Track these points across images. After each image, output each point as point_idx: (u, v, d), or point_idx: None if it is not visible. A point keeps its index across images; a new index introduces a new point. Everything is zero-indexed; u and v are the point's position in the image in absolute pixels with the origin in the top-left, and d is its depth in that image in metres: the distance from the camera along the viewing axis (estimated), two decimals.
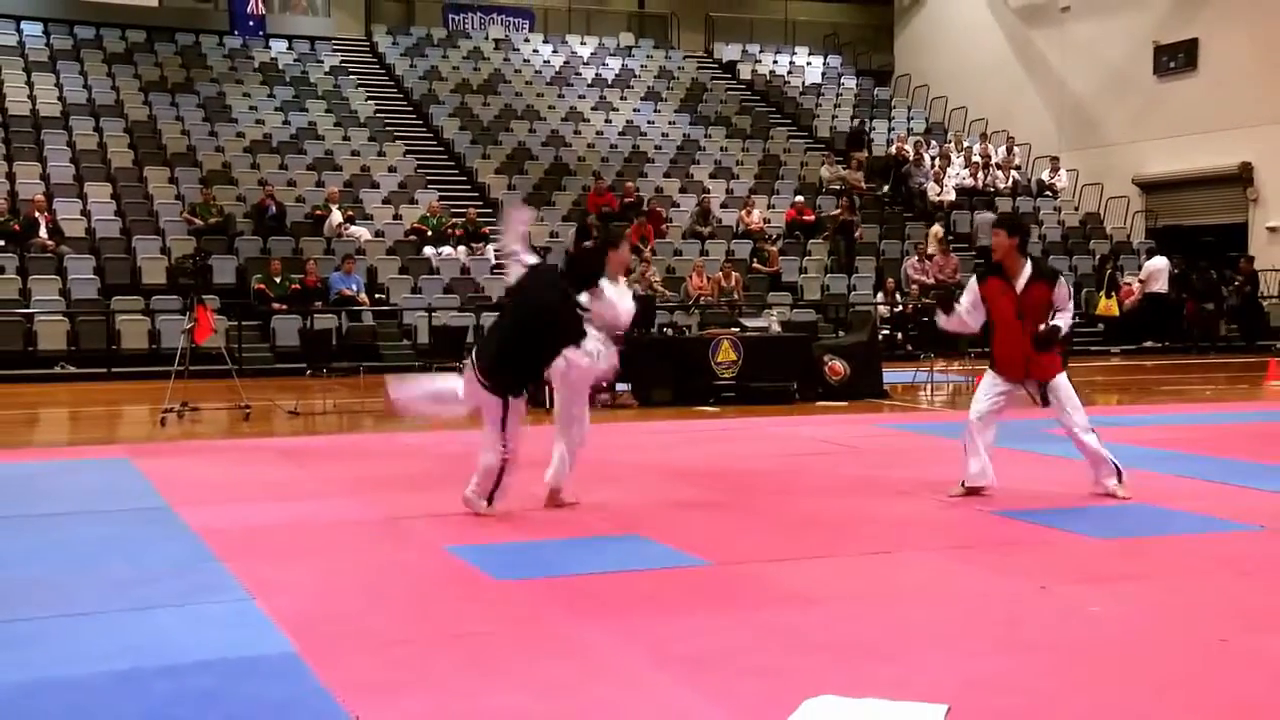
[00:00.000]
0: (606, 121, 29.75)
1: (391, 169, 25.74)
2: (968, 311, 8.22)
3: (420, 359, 19.03)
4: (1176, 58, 28.09)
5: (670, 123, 30.38)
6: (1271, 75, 26.07)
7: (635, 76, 32.50)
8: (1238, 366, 20.42)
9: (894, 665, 4.62)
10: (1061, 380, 8.01)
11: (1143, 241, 27.41)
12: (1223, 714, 4.06)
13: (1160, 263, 24.28)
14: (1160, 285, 23.92)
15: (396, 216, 23.85)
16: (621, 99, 31.12)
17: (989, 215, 22.20)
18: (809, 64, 35.26)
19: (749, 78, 33.97)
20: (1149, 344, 23.36)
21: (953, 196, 27.75)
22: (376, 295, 21.01)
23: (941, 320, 8.53)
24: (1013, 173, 29.39)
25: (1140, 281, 24.22)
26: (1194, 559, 6.46)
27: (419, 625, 5.23)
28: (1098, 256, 26.30)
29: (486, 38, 32.94)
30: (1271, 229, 26.39)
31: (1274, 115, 26.01)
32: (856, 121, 31.10)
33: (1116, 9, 29.16)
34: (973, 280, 8.38)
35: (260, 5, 30.14)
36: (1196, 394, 16.63)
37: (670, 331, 16.34)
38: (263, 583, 5.89)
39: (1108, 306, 24.01)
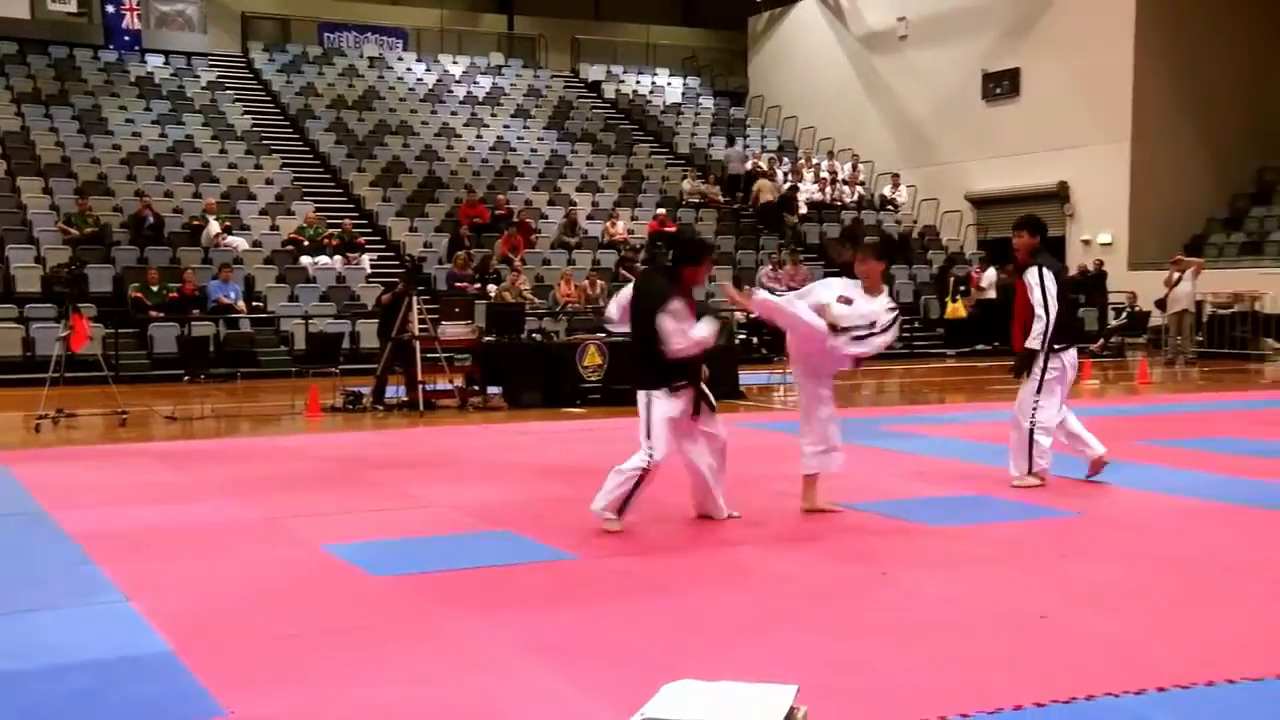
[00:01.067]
0: (477, 137, 29.65)
1: (268, 181, 25.32)
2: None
3: (297, 365, 18.77)
4: (1002, 85, 28.93)
5: (539, 139, 30.38)
6: (1084, 102, 27.00)
7: (505, 94, 32.43)
8: None
9: (747, 649, 4.69)
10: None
11: (974, 252, 28.15)
12: (1045, 683, 4.18)
13: (991, 273, 25.05)
14: (992, 293, 24.64)
15: (274, 227, 23.50)
16: (492, 116, 31.04)
17: (853, 227, 22.71)
18: (669, 85, 35.53)
19: (613, 97, 34.12)
20: (980, 347, 23.98)
21: (804, 210, 28.19)
22: (254, 303, 20.67)
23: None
24: (858, 188, 29.97)
25: (979, 289, 24.91)
26: (1019, 543, 6.63)
27: (296, 622, 5.15)
28: (935, 266, 26.97)
29: (361, 56, 32.60)
30: (1085, 242, 27.31)
31: (1087, 139, 26.95)
32: (742, 162, 30.92)
33: (948, 39, 29.88)
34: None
35: (136, 20, 29.36)
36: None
37: (539, 337, 16.33)
38: (140, 584, 5.76)
39: (955, 309, 24.62)
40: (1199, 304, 22.49)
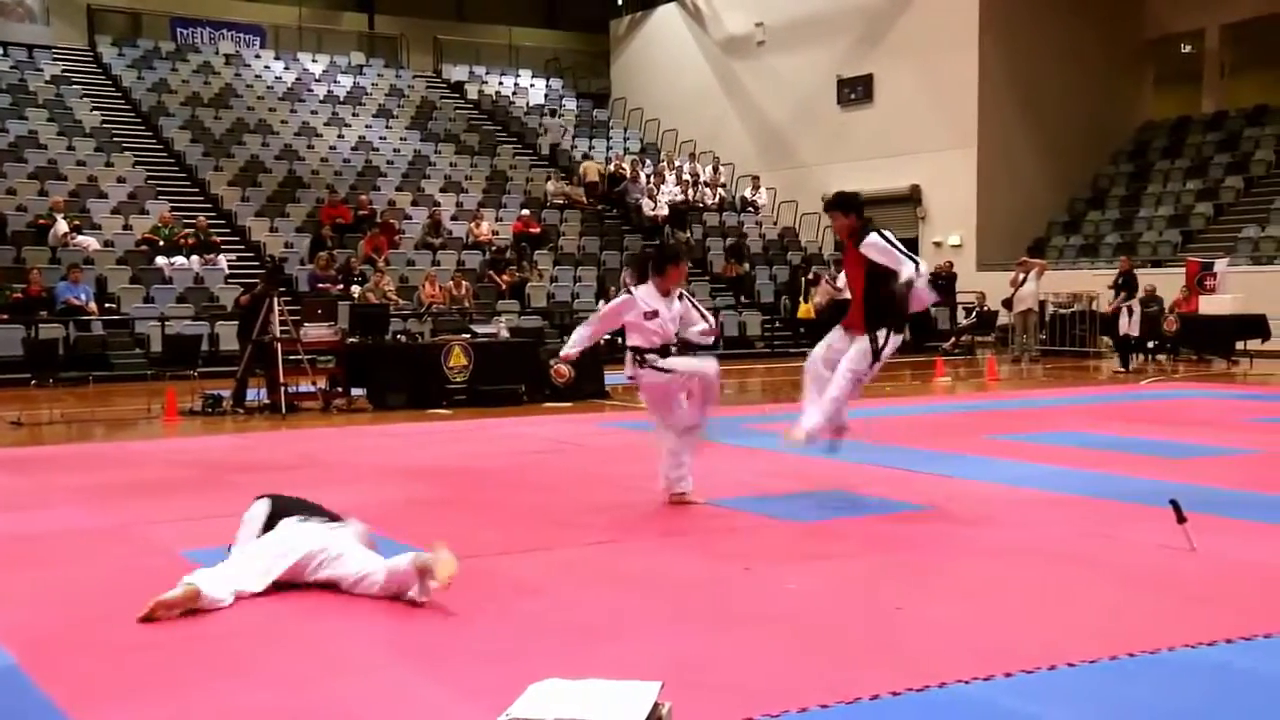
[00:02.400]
0: (339, 137, 29.24)
1: (120, 179, 24.62)
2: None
3: (153, 368, 18.27)
4: (856, 90, 29.51)
5: (401, 139, 30.08)
6: (934, 108, 27.70)
7: (367, 94, 32.03)
8: (911, 365, 21.52)
9: (612, 646, 4.71)
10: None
11: (832, 254, 28.62)
12: (900, 673, 4.29)
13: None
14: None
15: (127, 227, 22.86)
16: (354, 115, 30.64)
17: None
18: (532, 86, 35.47)
19: (476, 98, 33.95)
20: None
21: (666, 212, 28.38)
22: (107, 305, 20.09)
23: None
24: (719, 190, 30.26)
25: (836, 289, 25.25)
26: (875, 537, 6.76)
27: (154, 631, 4.98)
28: (775, 269, 27.38)
29: (217, 52, 31.88)
30: (937, 243, 28.03)
31: (937, 144, 27.66)
32: (614, 170, 30.91)
33: (805, 45, 30.36)
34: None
35: None
36: (877, 390, 17.46)
37: (404, 338, 16.17)
38: None
39: (806, 310, 24.95)
40: (1042, 304, 23.16)
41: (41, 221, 21.72)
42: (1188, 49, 30.31)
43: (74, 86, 28.26)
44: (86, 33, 30.86)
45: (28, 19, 29.43)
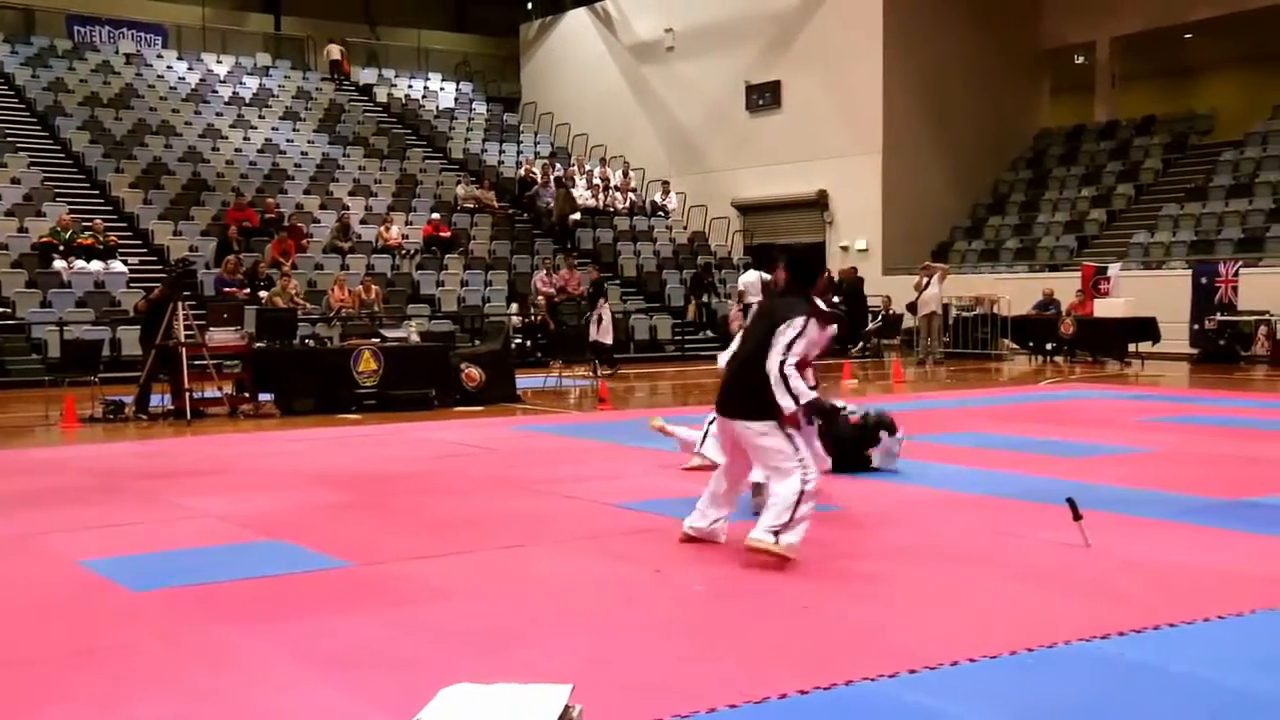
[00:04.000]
0: (245, 139, 28.81)
1: (15, 180, 23.98)
2: None
3: (51, 374, 17.83)
4: (764, 96, 29.73)
5: (309, 141, 29.73)
6: (840, 115, 28.03)
7: (273, 96, 31.61)
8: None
9: (523, 650, 4.71)
10: None
11: (741, 257, 28.85)
12: (809, 671, 4.34)
13: (753, 275, 25.63)
14: (755, 295, 25.22)
15: (22, 229, 22.27)
16: (260, 118, 30.21)
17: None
18: (442, 89, 35.27)
19: (385, 101, 33.66)
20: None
21: (577, 216, 28.36)
22: (1, 309, 19.58)
23: None
24: (630, 194, 30.33)
25: (740, 291, 25.40)
26: None
27: (48, 642, 4.89)
28: (685, 273, 27.51)
29: (116, 52, 31.25)
30: (844, 247, 28.36)
31: (843, 150, 28.00)
32: (524, 175, 30.80)
33: (713, 51, 30.54)
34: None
35: None
36: None
37: (312, 342, 15.97)
38: None
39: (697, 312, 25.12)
40: (945, 307, 23.53)
41: None
42: (1081, 60, 31.02)
43: None
44: None
45: None
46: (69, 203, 23.72)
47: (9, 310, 19.68)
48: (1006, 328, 23.62)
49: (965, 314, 24.24)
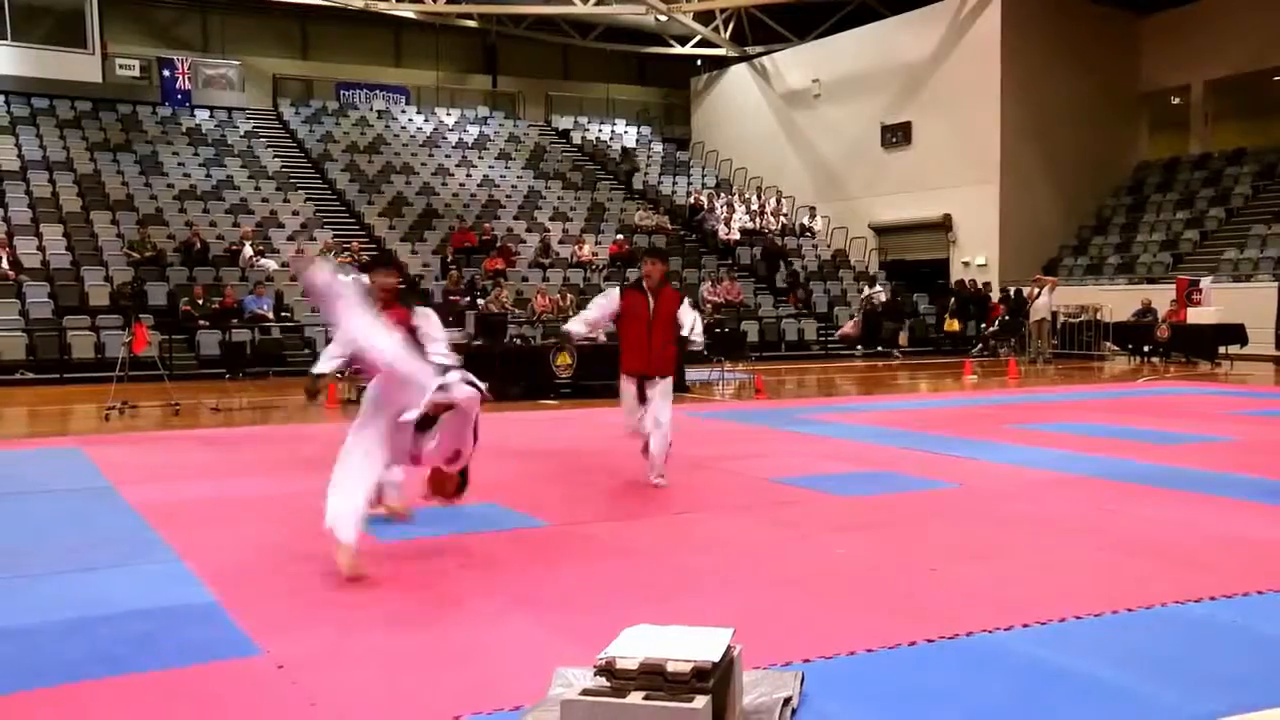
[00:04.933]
0: (467, 176, 29.50)
1: (294, 213, 25.09)
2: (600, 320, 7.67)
3: None
4: (897, 134, 29.10)
5: (518, 177, 30.26)
6: (963, 151, 27.26)
7: (490, 141, 32.28)
8: (943, 366, 21.22)
9: (691, 599, 4.71)
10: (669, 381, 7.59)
11: (876, 272, 28.33)
12: (933, 622, 4.24)
13: (878, 287, 25.30)
14: (881, 297, 24.91)
15: (299, 250, 23.25)
16: (479, 158, 30.89)
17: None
18: (625, 132, 35.49)
19: (580, 142, 34.04)
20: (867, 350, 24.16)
21: (737, 236, 28.26)
22: (283, 313, 20.48)
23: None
24: (781, 218, 30.05)
25: (875, 302, 25.00)
26: (912, 510, 6.67)
27: (318, 579, 5.08)
28: (844, 284, 27.12)
29: (371, 109, 32.33)
30: (965, 262, 27.59)
31: (965, 180, 27.21)
32: (693, 202, 31.09)
33: (853, 97, 30.03)
34: (614, 292, 7.66)
35: (187, 82, 29.08)
36: (912, 386, 17.26)
37: (519, 341, 16.28)
38: (190, 547, 5.71)
39: (952, 324, 24.47)
40: (1054, 314, 22.80)
41: (233, 248, 22.21)
42: (1177, 101, 29.48)
43: (261, 139, 28.85)
44: (271, 96, 31.47)
45: (228, 87, 30.13)
46: (333, 229, 24.68)
47: (289, 314, 20.58)
48: (1109, 332, 22.74)
49: (1072, 320, 23.40)
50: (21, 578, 5.14)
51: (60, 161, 24.68)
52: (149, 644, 4.12)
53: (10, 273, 19.63)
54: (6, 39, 26.99)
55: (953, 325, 24.80)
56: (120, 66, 28.54)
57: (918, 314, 26.07)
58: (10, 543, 5.91)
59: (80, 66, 27.51)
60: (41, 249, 21.11)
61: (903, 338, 24.46)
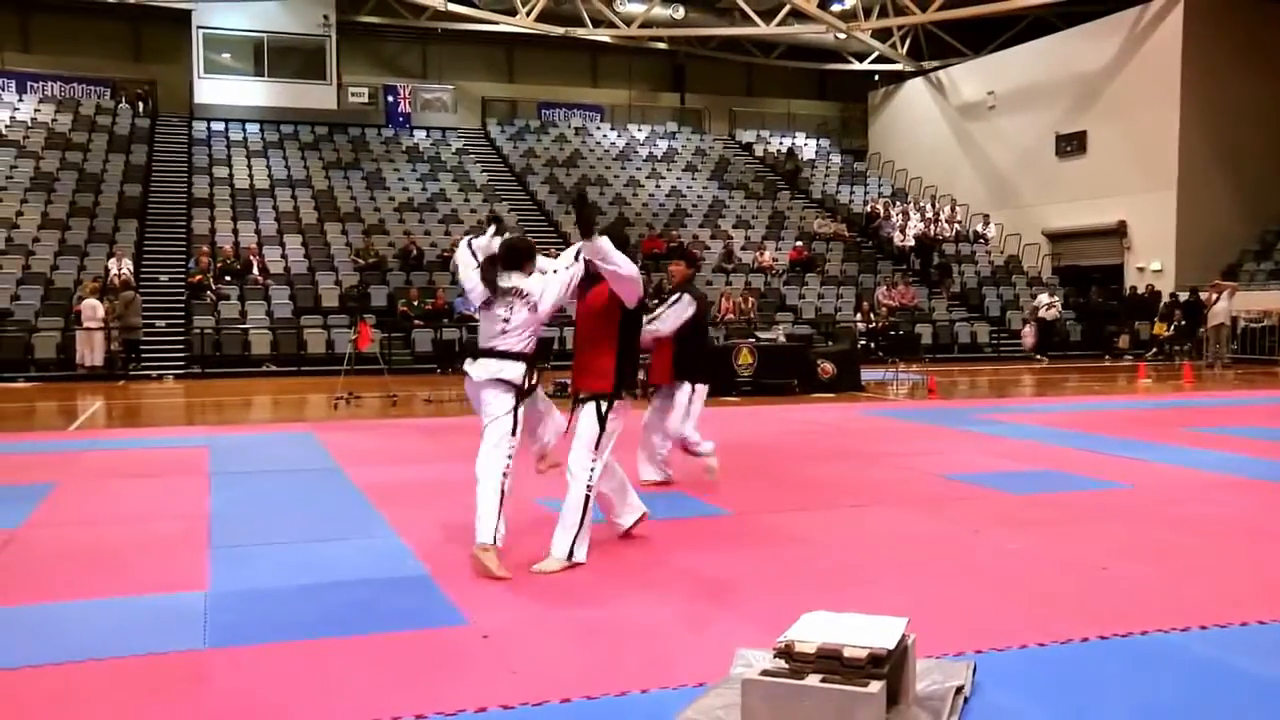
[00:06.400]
0: (657, 186, 29.77)
1: None
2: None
3: None
4: (1072, 143, 27.77)
5: (704, 187, 30.36)
6: (1138, 158, 25.78)
7: (677, 154, 32.50)
8: (1119, 369, 20.14)
9: (865, 588, 4.64)
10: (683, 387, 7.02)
11: (1049, 277, 27.14)
12: (1104, 620, 4.05)
13: (1046, 298, 24.15)
14: (1051, 313, 23.73)
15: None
16: (668, 170, 31.13)
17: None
18: (805, 145, 35.11)
19: (762, 155, 33.89)
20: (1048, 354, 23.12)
21: (912, 243, 27.56)
22: None
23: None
24: (955, 225, 29.14)
25: (1051, 307, 23.94)
26: (1084, 509, 6.39)
27: (518, 556, 5.20)
28: (1016, 289, 26.03)
29: (569, 126, 33.04)
30: (1140, 269, 26.09)
31: (1141, 187, 25.72)
32: (869, 210, 30.64)
33: (1028, 107, 28.84)
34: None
35: (407, 106, 30.55)
36: (1086, 389, 16.45)
37: None
38: (405, 524, 5.95)
39: (1160, 328, 23.34)
40: (1234, 319, 21.30)
41: (445, 254, 23.06)
42: None
43: (470, 155, 29.91)
44: (480, 116, 32.60)
45: (443, 109, 31.46)
46: (534, 237, 25.26)
47: None
48: None
49: (1254, 325, 21.80)
50: (266, 545, 5.49)
51: (300, 180, 26.23)
52: (370, 610, 4.32)
53: (259, 277, 21.00)
54: (264, 76, 28.96)
55: (1160, 329, 23.45)
56: (352, 94, 30.19)
57: (1089, 316, 24.76)
58: (255, 513, 6.32)
59: (319, 96, 29.26)
60: (284, 256, 22.47)
61: (1124, 340, 23.36)
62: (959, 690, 3.30)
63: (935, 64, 32.08)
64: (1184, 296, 23.25)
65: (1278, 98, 25.81)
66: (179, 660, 3.75)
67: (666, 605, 4.39)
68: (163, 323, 19.77)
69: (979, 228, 29.07)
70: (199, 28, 28.33)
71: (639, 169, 30.81)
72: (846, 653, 3.02)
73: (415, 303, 20.41)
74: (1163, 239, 25.60)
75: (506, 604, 4.42)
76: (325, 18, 29.11)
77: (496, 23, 28.74)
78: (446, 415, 12.46)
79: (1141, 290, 24.78)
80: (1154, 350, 22.79)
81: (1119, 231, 26.55)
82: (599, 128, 33.37)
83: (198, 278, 20.48)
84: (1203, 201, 25.18)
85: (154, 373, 18.33)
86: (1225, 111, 25.12)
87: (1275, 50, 25.63)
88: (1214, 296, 20.86)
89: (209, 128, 28.18)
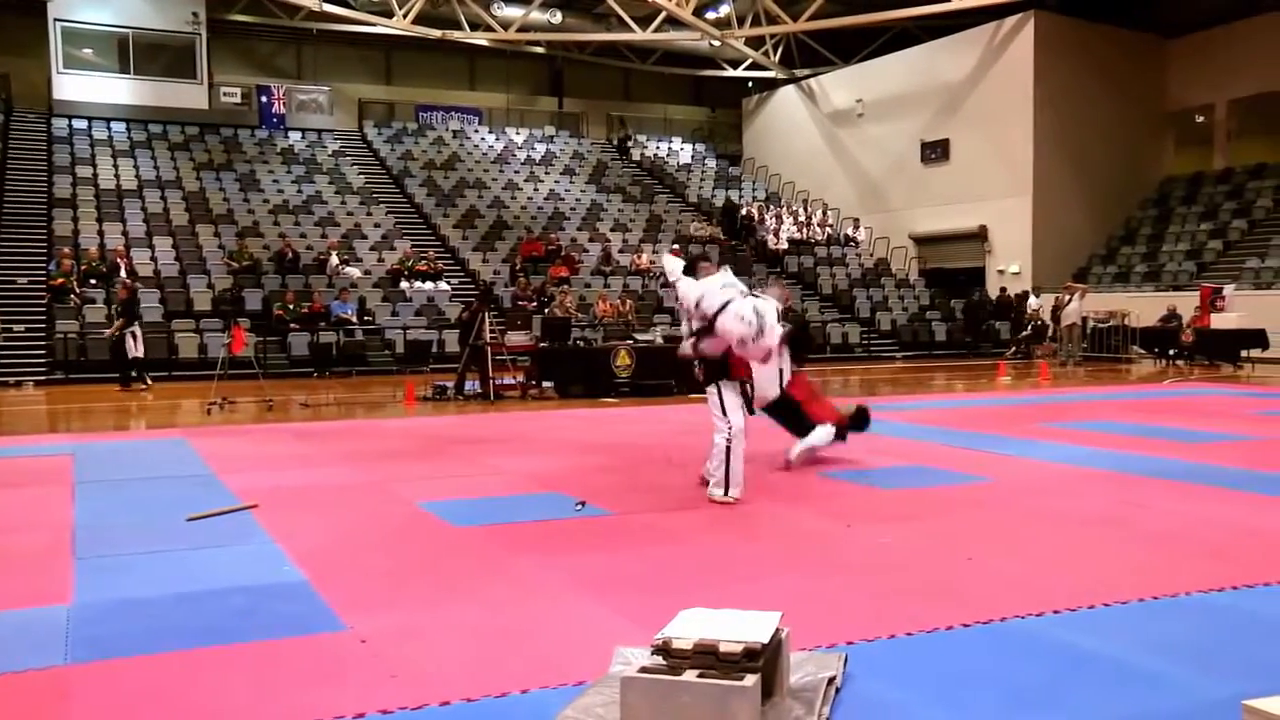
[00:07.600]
0: (535, 190, 29.67)
1: (376, 225, 25.41)
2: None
3: (397, 365, 18.82)
4: (936, 151, 28.77)
5: (581, 191, 30.38)
6: (998, 165, 26.90)
7: (556, 157, 32.44)
8: (978, 368, 20.93)
9: (745, 585, 4.69)
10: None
11: (916, 279, 28.03)
12: (969, 609, 4.19)
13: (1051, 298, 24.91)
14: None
15: (380, 259, 23.57)
16: (545, 174, 31.05)
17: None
18: (682, 149, 35.48)
19: (639, 159, 34.09)
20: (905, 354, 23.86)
21: (786, 246, 28.12)
22: (365, 317, 20.75)
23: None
24: (827, 229, 29.85)
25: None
26: (950, 502, 6.60)
27: (397, 560, 5.16)
28: (885, 289, 26.79)
29: (447, 129, 32.64)
30: (1000, 270, 27.20)
31: (1000, 193, 26.85)
32: (736, 204, 31.25)
33: (895, 115, 29.75)
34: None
35: (282, 107, 29.66)
36: (948, 386, 17.04)
37: (582, 343, 16.34)
38: (283, 530, 5.80)
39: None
40: (1084, 319, 22.39)
41: (321, 257, 22.54)
42: (1201, 119, 28.78)
43: (347, 158, 29.24)
44: (357, 118, 31.91)
45: (319, 111, 30.64)
46: (411, 240, 24.96)
47: (370, 318, 20.85)
48: (1135, 337, 22.29)
49: (1101, 325, 22.97)
50: (139, 554, 5.27)
51: (170, 180, 25.25)
52: (249, 617, 4.21)
53: (127, 280, 20.12)
54: (129, 73, 27.72)
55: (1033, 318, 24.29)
56: (224, 94, 29.18)
57: (955, 319, 25.76)
58: (127, 522, 6.05)
59: (189, 95, 28.20)
60: (154, 259, 21.60)
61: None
62: (831, 681, 3.36)
63: (807, 72, 32.80)
64: (1034, 302, 24.34)
65: (1122, 113, 27.35)
66: (37, 678, 3.55)
67: (546, 606, 4.37)
68: (21, 327, 18.75)
69: (850, 231, 29.84)
70: (56, 20, 26.95)
71: (517, 172, 30.65)
72: (722, 648, 3.05)
73: (291, 306, 19.88)
74: (1020, 243, 26.75)
75: (385, 608, 4.33)
76: (194, 15, 28.07)
77: (373, 24, 28.17)
78: (323, 419, 12.17)
79: (1007, 292, 25.74)
80: (1013, 349, 23.77)
81: (980, 235, 27.63)
82: (477, 130, 33.07)
83: (60, 281, 19.48)
84: (1056, 208, 26.46)
85: (12, 379, 17.37)
86: (1075, 124, 26.43)
87: (1119, 70, 27.12)
88: (1066, 298, 21.90)
89: (70, 125, 26.86)
